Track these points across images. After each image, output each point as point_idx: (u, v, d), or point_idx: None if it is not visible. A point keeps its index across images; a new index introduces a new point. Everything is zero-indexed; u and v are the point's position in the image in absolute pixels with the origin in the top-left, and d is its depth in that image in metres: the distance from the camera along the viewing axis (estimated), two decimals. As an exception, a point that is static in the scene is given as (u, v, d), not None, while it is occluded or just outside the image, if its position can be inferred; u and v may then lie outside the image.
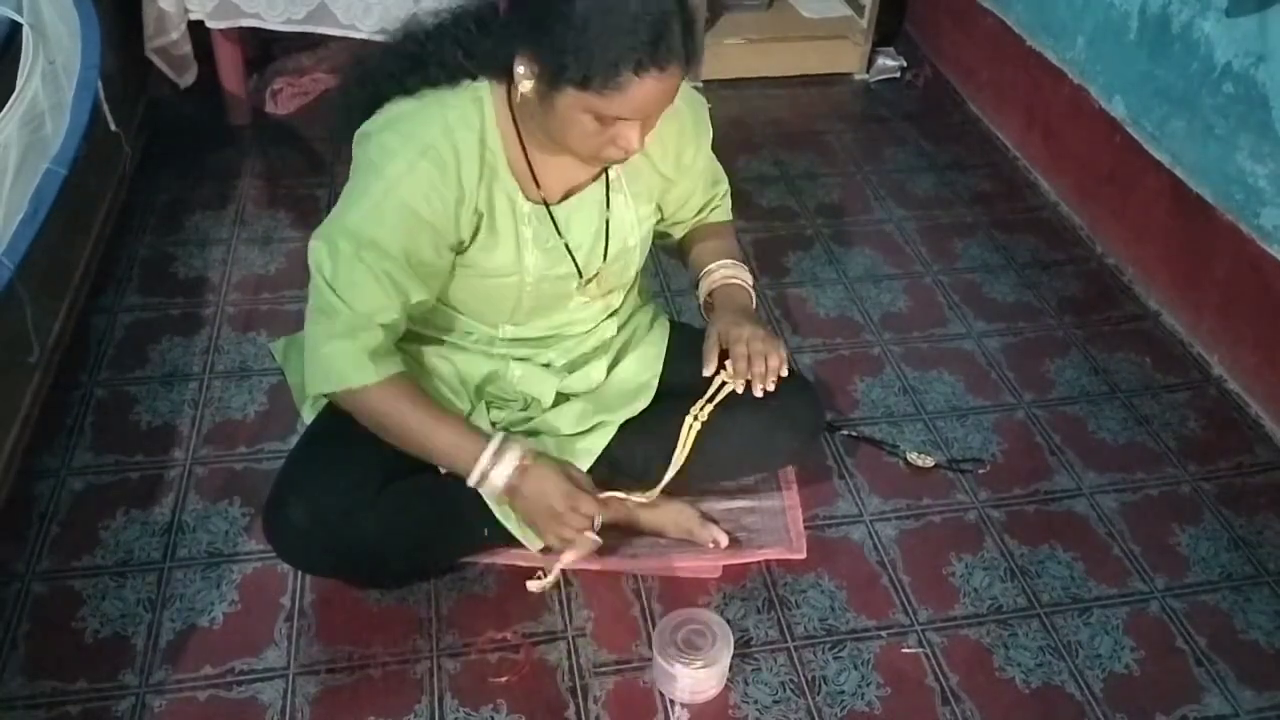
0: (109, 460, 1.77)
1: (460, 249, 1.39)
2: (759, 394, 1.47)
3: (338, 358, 1.33)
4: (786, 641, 1.54)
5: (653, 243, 1.60)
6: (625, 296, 1.61)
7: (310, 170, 2.51)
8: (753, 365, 1.47)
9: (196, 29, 2.48)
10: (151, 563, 1.61)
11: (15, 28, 1.78)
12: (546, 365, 1.56)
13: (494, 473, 1.36)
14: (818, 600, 1.60)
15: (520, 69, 1.23)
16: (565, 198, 1.42)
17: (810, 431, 1.66)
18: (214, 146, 2.59)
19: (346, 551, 1.45)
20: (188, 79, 2.57)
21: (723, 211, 1.68)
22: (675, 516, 1.63)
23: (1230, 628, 1.59)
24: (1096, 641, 1.56)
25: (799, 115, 2.92)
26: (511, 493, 1.39)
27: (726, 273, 1.59)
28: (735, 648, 1.47)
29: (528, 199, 1.38)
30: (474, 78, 1.32)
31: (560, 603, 1.58)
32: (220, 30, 2.50)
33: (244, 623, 1.53)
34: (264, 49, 2.80)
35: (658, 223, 1.59)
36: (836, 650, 1.53)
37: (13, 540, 1.63)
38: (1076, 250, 2.41)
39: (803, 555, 1.66)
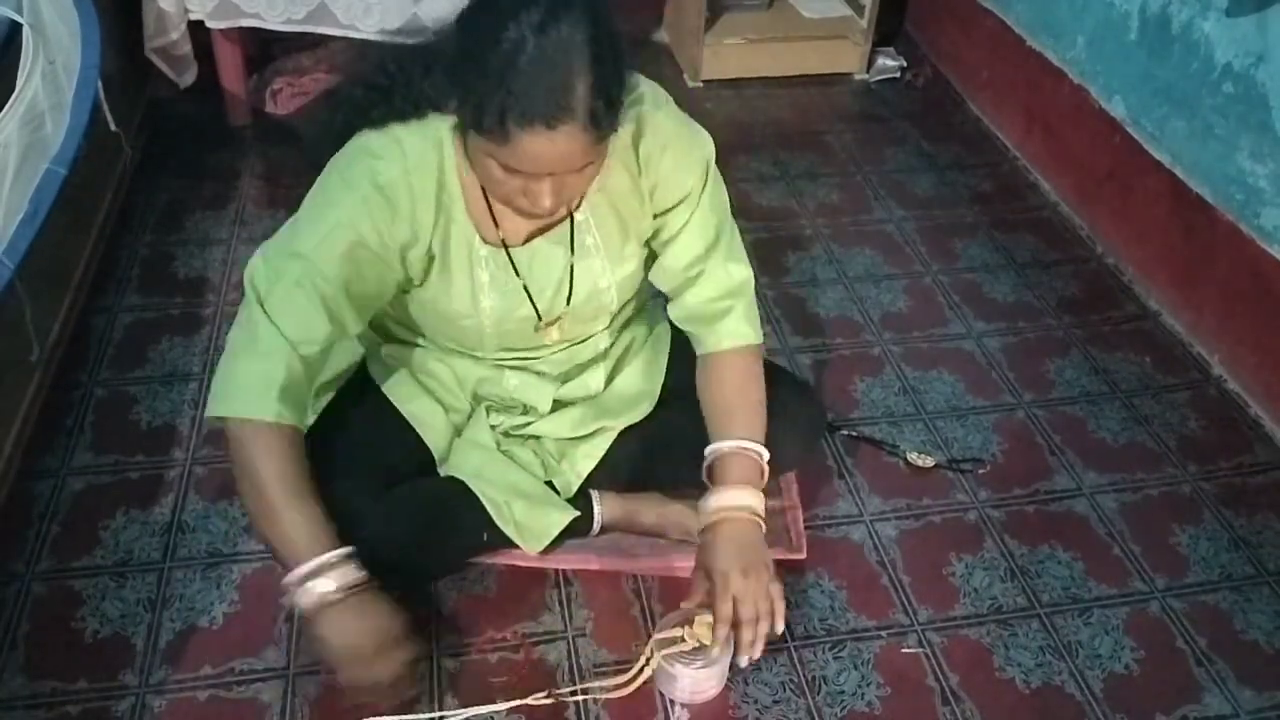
0: (109, 460, 1.77)
1: (408, 288, 1.37)
2: (742, 664, 1.36)
3: (247, 378, 1.26)
4: (786, 641, 1.54)
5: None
6: (616, 315, 1.57)
7: (310, 170, 2.50)
8: (741, 632, 1.31)
9: (196, 29, 2.47)
10: (151, 563, 1.61)
11: (15, 28, 1.78)
12: (541, 374, 1.54)
13: (317, 583, 1.23)
14: (818, 600, 1.60)
15: (450, 110, 1.22)
16: (529, 239, 1.38)
17: (812, 436, 1.66)
18: (214, 146, 2.59)
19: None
20: (188, 79, 2.57)
21: (739, 324, 1.45)
22: (677, 518, 1.62)
23: (1230, 628, 1.59)
24: (1096, 641, 1.56)
25: (799, 115, 2.92)
26: (322, 614, 1.24)
27: (738, 466, 1.38)
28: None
29: (485, 241, 1.35)
30: (439, 109, 1.28)
31: (560, 603, 1.58)
32: (220, 30, 2.50)
33: (244, 623, 1.53)
34: (264, 49, 2.80)
35: (649, 260, 1.48)
36: (836, 650, 1.53)
37: (13, 540, 1.63)
38: (1076, 250, 2.41)
39: (803, 555, 1.66)
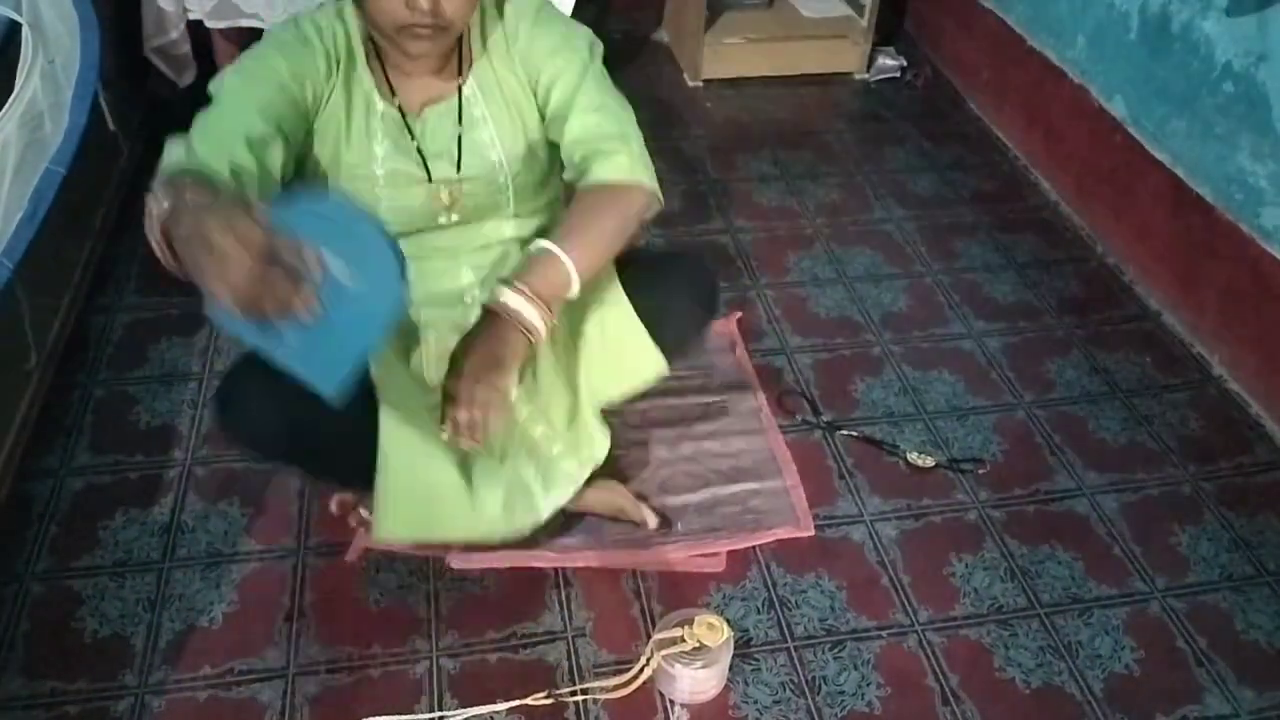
0: (108, 460, 1.77)
1: (312, 117, 1.39)
2: (443, 437, 1.34)
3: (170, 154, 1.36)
4: (786, 641, 1.54)
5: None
6: (516, 201, 1.52)
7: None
8: (458, 411, 1.30)
9: (196, 28, 2.47)
10: (151, 563, 1.61)
11: (15, 27, 1.78)
12: (441, 250, 1.51)
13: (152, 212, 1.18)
14: (818, 600, 1.60)
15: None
16: (422, 109, 1.44)
17: (705, 295, 1.60)
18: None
19: (303, 433, 1.37)
20: (187, 78, 2.56)
21: (604, 168, 1.38)
22: (605, 495, 1.63)
23: (1230, 628, 1.59)
24: (1097, 641, 1.56)
25: (799, 115, 2.92)
26: (173, 222, 1.15)
27: (541, 270, 1.33)
28: (735, 648, 1.47)
29: (382, 98, 1.42)
30: None
31: (560, 603, 1.58)
32: (219, 30, 2.50)
33: (243, 623, 1.53)
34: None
35: (545, 124, 1.46)
36: (836, 650, 1.53)
37: (12, 540, 1.63)
38: (1076, 250, 2.41)
39: (811, 533, 1.68)
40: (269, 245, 1.04)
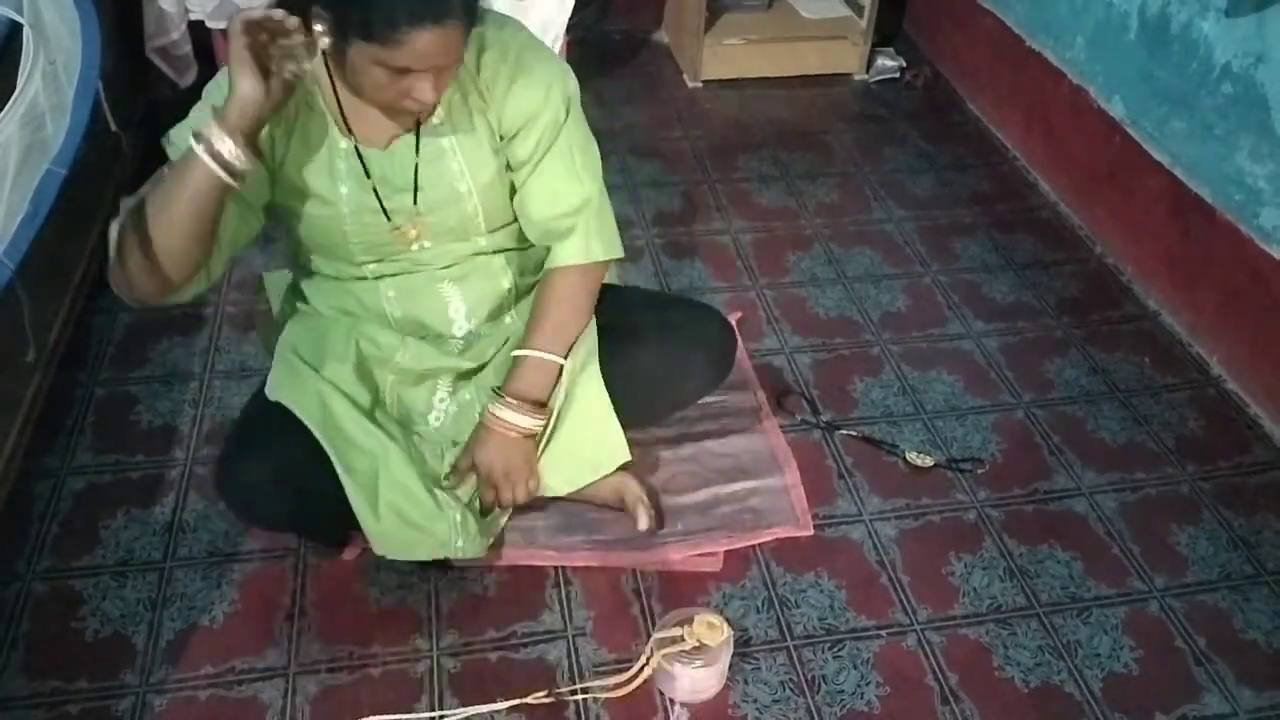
0: (109, 460, 1.78)
1: (273, 167, 1.40)
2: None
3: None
4: (786, 641, 1.54)
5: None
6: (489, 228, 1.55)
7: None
8: (496, 504, 1.55)
9: (196, 29, 2.48)
10: (152, 562, 1.61)
11: (15, 28, 1.78)
12: (419, 272, 1.54)
13: (211, 144, 1.27)
14: (817, 600, 1.61)
15: (316, 23, 1.24)
16: (388, 143, 1.43)
17: (722, 354, 1.68)
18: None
19: (301, 503, 1.45)
20: (188, 79, 2.57)
21: (577, 242, 1.51)
22: (612, 483, 1.65)
23: (1230, 627, 1.59)
24: (1096, 641, 1.57)
25: (799, 115, 2.92)
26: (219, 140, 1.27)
27: (529, 375, 1.51)
28: (735, 647, 1.47)
29: (343, 135, 1.41)
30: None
31: (560, 603, 1.58)
32: (220, 30, 2.50)
33: (244, 622, 1.53)
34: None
35: (509, 171, 1.51)
36: (836, 650, 1.54)
37: (13, 540, 1.63)
38: (1076, 250, 2.41)
39: (810, 532, 1.68)
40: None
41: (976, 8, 2.84)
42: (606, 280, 1.59)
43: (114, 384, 1.93)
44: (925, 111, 2.95)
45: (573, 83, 1.48)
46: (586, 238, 1.50)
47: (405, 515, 1.45)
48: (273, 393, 1.47)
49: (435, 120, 1.43)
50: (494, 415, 1.50)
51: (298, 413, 1.43)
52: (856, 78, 3.10)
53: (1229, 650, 1.56)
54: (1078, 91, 2.44)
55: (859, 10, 3.05)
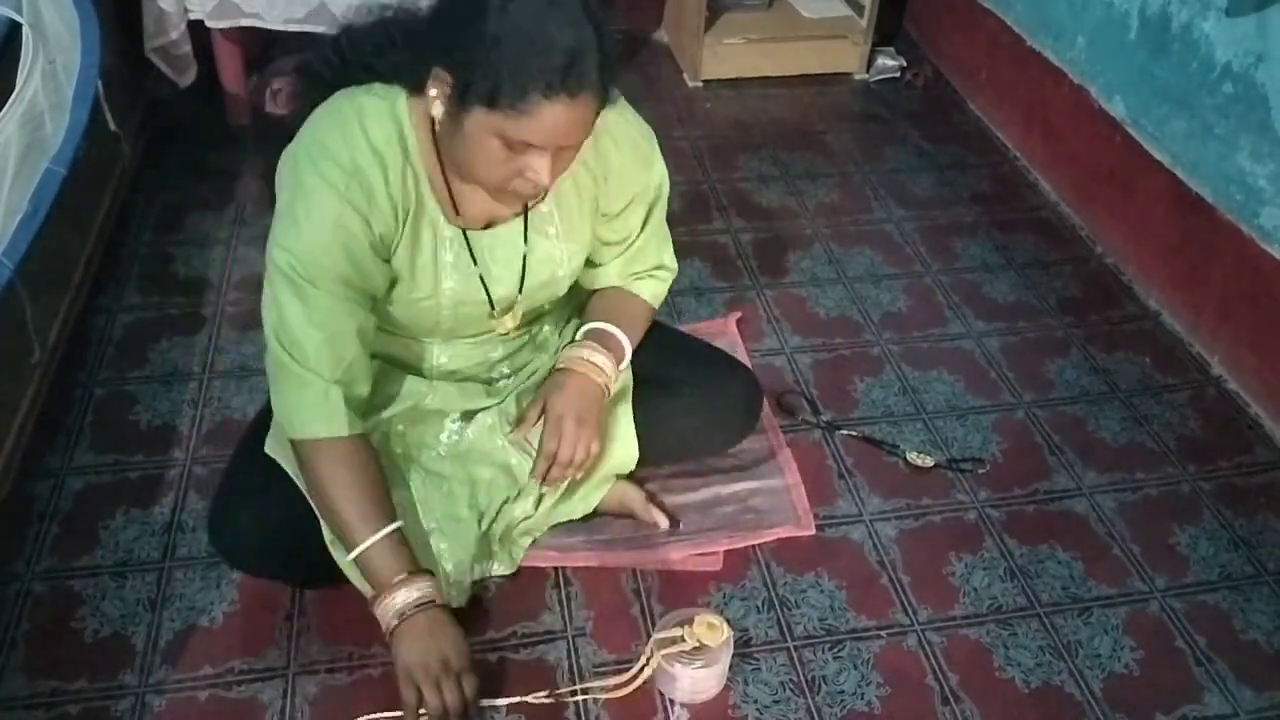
0: (109, 460, 1.77)
1: (386, 256, 1.34)
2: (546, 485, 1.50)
3: (298, 408, 1.30)
4: (786, 641, 1.54)
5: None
6: (555, 326, 1.60)
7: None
8: (553, 469, 1.46)
9: (196, 29, 2.47)
10: (151, 562, 1.61)
11: (15, 27, 1.78)
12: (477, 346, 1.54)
13: (395, 597, 1.31)
14: (817, 600, 1.60)
15: (433, 85, 1.19)
16: (488, 226, 1.38)
17: (749, 412, 1.69)
18: (214, 146, 2.59)
19: (292, 556, 1.46)
20: (187, 79, 2.56)
21: (651, 288, 1.58)
22: (617, 494, 1.64)
23: (1230, 628, 1.59)
24: (1096, 641, 1.56)
25: (799, 115, 2.92)
26: (399, 628, 1.31)
27: (607, 341, 1.49)
28: (735, 648, 1.47)
29: (449, 222, 1.34)
30: (403, 82, 1.27)
31: (560, 603, 1.58)
32: (220, 30, 2.50)
33: (244, 622, 1.53)
34: (264, 49, 2.80)
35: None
36: (836, 650, 1.54)
37: (13, 540, 1.63)
38: (1076, 250, 2.41)
39: (811, 531, 1.68)
40: None
41: (977, 7, 2.84)
42: None
43: (114, 384, 1.93)
44: (925, 111, 2.95)
45: (665, 177, 1.52)
46: (664, 288, 1.59)
47: None
48: (272, 449, 1.44)
49: (544, 208, 1.37)
50: (578, 356, 1.45)
51: (292, 472, 1.40)
52: (856, 77, 3.10)
53: (1229, 650, 1.56)
54: (1078, 91, 2.44)
55: (859, 10, 3.04)
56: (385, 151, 1.25)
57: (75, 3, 1.98)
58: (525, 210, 1.38)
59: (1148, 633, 1.58)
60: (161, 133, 2.60)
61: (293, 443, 1.35)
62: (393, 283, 1.36)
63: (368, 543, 1.31)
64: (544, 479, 1.48)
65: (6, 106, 1.64)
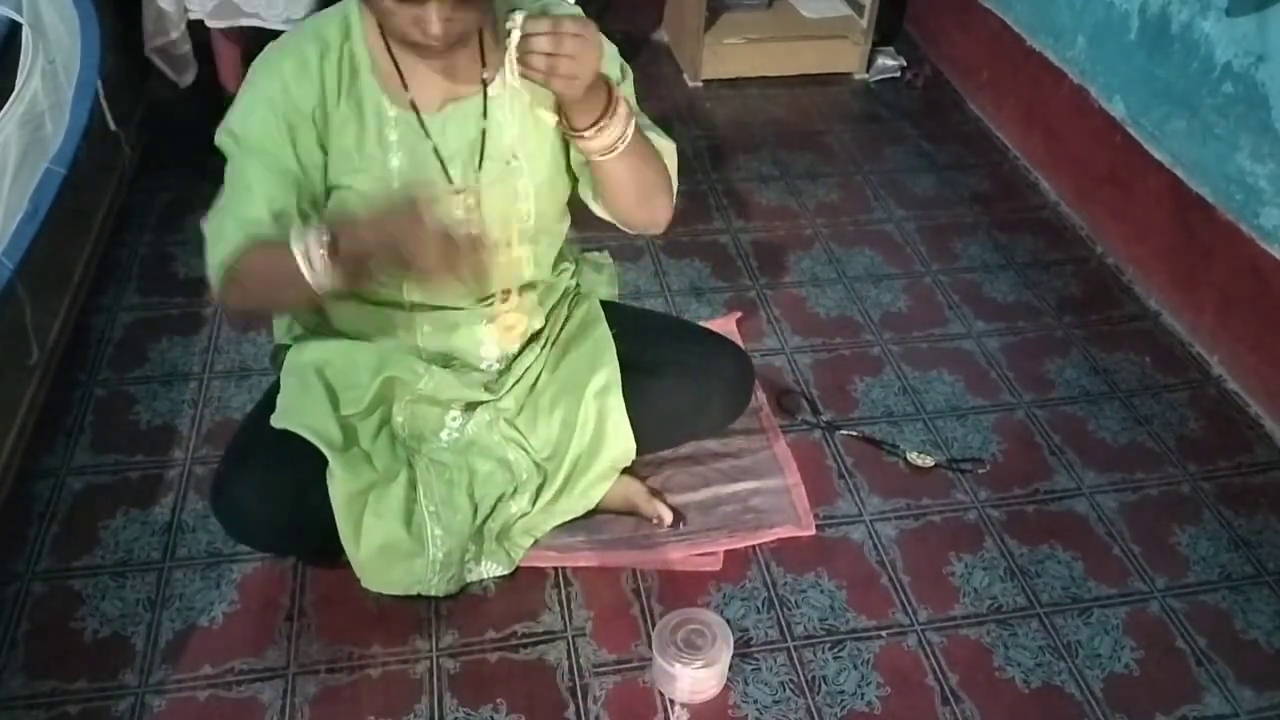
0: (109, 460, 1.77)
1: (324, 140, 1.37)
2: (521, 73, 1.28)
3: (220, 247, 1.35)
4: (786, 641, 1.54)
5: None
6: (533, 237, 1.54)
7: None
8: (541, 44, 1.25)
9: (196, 28, 2.47)
10: (151, 562, 1.61)
11: (15, 27, 1.78)
12: (459, 313, 1.52)
13: (313, 257, 1.23)
14: (818, 600, 1.60)
15: None
16: (442, 106, 1.39)
17: (740, 388, 1.68)
18: (214, 146, 2.58)
19: (296, 527, 1.45)
20: (187, 79, 2.56)
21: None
22: (620, 490, 1.64)
23: (1230, 628, 1.59)
24: (1096, 641, 1.56)
25: (799, 115, 2.92)
26: (338, 261, 1.23)
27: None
28: (735, 647, 1.47)
29: (393, 103, 1.37)
30: None
31: (560, 603, 1.58)
32: (220, 30, 2.50)
33: (244, 622, 1.53)
34: (264, 49, 2.80)
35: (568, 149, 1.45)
36: (836, 650, 1.54)
37: (13, 540, 1.63)
38: (1076, 250, 2.41)
39: (811, 531, 1.68)
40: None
41: (977, 7, 2.84)
42: (616, 298, 1.62)
43: (113, 384, 1.93)
44: (925, 111, 2.95)
45: (625, 64, 1.50)
46: (666, 155, 1.48)
47: (385, 548, 1.45)
48: (280, 420, 1.43)
49: (493, 90, 1.39)
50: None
51: (307, 434, 1.39)
52: (857, 77, 3.10)
53: (1230, 650, 1.56)
54: (1078, 91, 2.44)
55: (859, 9, 3.05)
56: (326, 34, 1.36)
57: (75, 3, 1.98)
58: (485, 91, 1.39)
59: (1148, 633, 1.58)
60: (161, 133, 2.60)
61: (222, 283, 1.34)
62: (341, 170, 1.38)
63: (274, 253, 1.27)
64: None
65: (6, 106, 1.64)
